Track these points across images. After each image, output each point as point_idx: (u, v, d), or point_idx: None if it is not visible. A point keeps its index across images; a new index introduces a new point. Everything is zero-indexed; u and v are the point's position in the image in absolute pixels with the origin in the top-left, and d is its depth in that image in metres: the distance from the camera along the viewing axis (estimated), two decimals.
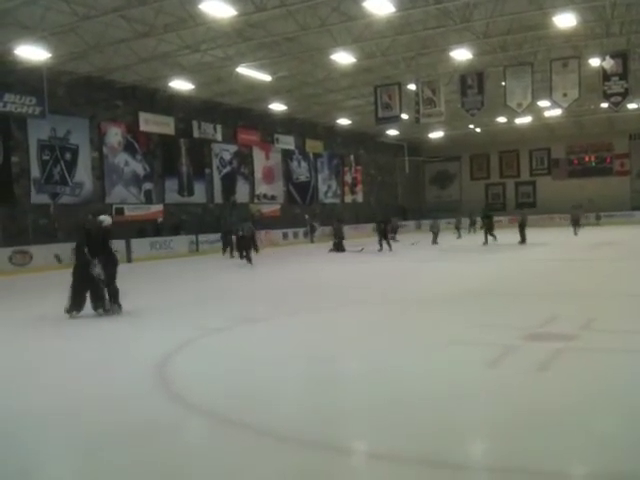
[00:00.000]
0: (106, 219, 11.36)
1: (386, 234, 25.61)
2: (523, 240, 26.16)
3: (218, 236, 29.32)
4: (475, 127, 43.02)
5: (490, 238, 26.23)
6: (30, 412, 5.63)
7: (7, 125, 23.11)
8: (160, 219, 28.45)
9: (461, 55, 24.42)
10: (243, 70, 24.79)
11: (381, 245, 24.92)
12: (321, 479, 4.05)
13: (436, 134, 44.65)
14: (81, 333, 9.59)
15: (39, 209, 23.85)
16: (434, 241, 28.89)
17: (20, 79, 22.52)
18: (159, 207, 29.21)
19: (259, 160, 36.23)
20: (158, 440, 4.80)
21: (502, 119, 39.80)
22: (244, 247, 20.99)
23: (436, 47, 24.63)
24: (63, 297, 10.70)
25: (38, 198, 24.04)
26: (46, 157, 24.40)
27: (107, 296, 10.71)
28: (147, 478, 4.13)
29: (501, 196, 51.92)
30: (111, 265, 10.87)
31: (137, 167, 28.45)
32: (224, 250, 22.87)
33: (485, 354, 6.98)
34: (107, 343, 8.76)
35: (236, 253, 22.62)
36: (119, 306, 10.82)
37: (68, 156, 25.32)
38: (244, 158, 35.00)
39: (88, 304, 10.69)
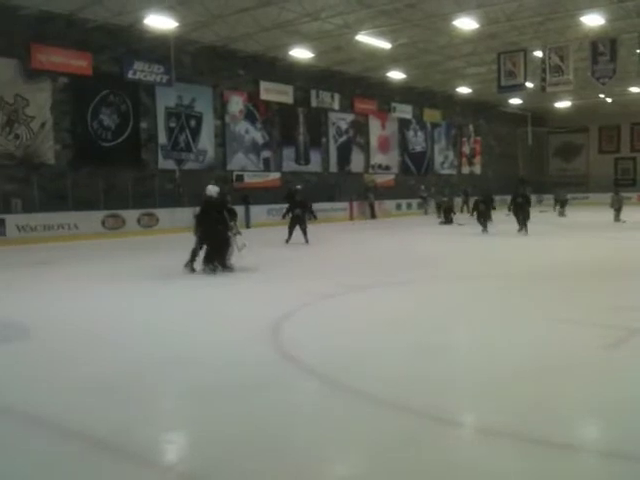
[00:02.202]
0: (207, 189, 11.98)
1: (485, 213, 21.48)
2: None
3: (331, 205, 29.81)
4: (605, 97, 40.41)
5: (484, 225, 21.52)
6: (152, 357, 6.05)
7: (137, 92, 24.31)
8: (299, 186, 28.83)
9: (593, 20, 22.91)
10: (362, 38, 24.58)
11: (483, 225, 20.97)
12: (424, 448, 4.08)
13: (562, 103, 42.43)
14: (197, 290, 10.11)
15: (165, 174, 25.03)
16: (616, 218, 24.96)
17: (149, 48, 23.58)
18: (277, 175, 29.82)
19: (375, 129, 36.02)
20: (267, 396, 4.99)
21: (635, 89, 37.14)
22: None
23: (566, 12, 23.25)
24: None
25: (165, 164, 25.23)
26: (172, 124, 25.49)
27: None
28: (254, 430, 4.32)
29: (631, 171, 48.66)
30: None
31: (256, 135, 29.13)
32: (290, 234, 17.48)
33: (606, 336, 6.69)
34: (223, 303, 9.18)
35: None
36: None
37: (193, 123, 26.33)
38: (360, 127, 34.92)
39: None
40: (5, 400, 5.03)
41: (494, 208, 22.46)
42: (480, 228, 20.84)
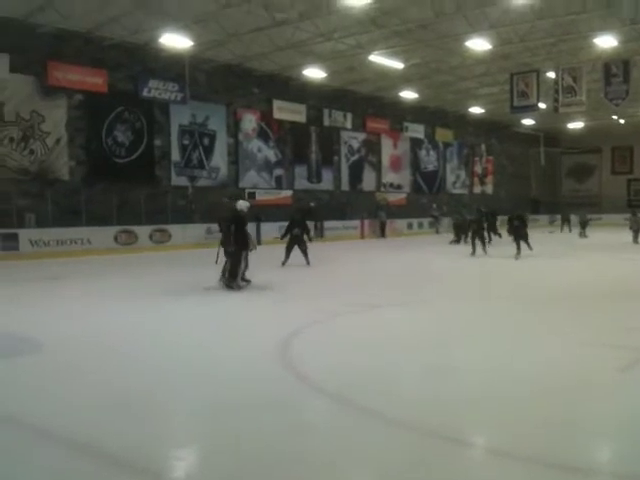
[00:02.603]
0: (239, 204, 12.05)
1: (478, 233, 20.07)
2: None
3: (343, 223, 29.91)
4: (618, 117, 40.44)
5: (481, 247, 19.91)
6: (164, 373, 6.04)
7: (151, 109, 24.56)
8: (312, 204, 28.84)
9: (605, 42, 22.96)
10: (375, 58, 24.77)
11: (474, 247, 19.73)
12: (434, 469, 4.04)
13: (575, 124, 42.45)
14: (208, 307, 10.11)
15: (178, 191, 25.18)
16: (635, 240, 24.36)
17: (164, 66, 23.87)
18: (289, 193, 29.92)
19: (387, 148, 36.14)
20: (277, 413, 4.95)
21: None
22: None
23: (578, 33, 23.34)
24: (199, 272, 11.40)
25: (177, 180, 25.40)
26: (186, 141, 25.70)
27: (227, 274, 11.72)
28: (264, 447, 4.29)
29: None
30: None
31: (269, 153, 29.30)
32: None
33: (620, 357, 6.61)
34: (233, 320, 9.18)
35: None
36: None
37: (206, 141, 26.53)
38: (372, 146, 35.06)
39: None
40: (11, 410, 5.03)
41: (483, 228, 20.62)
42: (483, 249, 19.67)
